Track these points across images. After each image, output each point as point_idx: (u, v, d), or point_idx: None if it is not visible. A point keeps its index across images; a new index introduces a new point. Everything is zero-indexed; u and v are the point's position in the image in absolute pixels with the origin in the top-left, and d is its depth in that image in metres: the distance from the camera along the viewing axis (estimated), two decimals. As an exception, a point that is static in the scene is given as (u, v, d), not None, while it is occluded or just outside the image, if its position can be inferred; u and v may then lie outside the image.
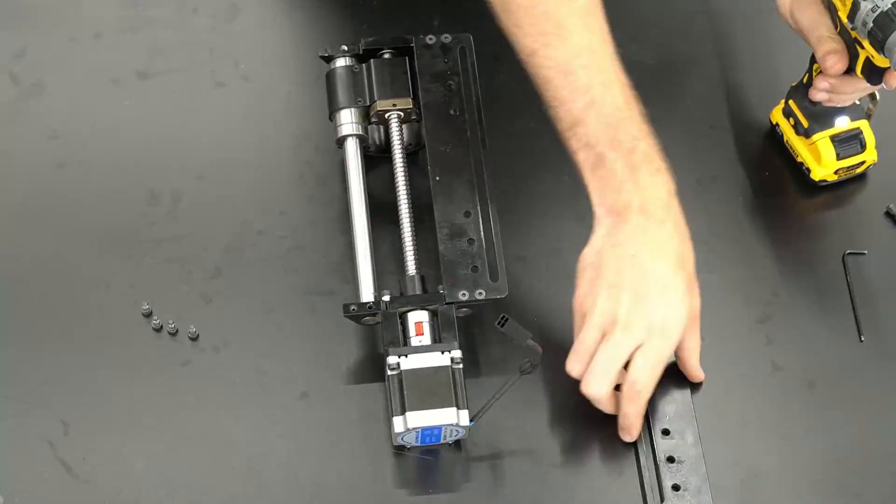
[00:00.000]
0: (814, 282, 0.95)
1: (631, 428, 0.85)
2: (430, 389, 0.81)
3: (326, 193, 0.98)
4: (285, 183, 0.99)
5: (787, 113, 0.98)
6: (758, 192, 1.00)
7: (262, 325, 0.92)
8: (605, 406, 0.84)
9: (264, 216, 0.96)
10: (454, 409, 0.80)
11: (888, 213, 0.98)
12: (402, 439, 0.82)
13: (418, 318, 0.85)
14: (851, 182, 1.00)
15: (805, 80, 0.96)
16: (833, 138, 0.96)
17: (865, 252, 0.96)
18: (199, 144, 1.00)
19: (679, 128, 1.03)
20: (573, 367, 0.84)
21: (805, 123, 0.96)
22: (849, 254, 0.96)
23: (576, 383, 0.86)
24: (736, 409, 0.89)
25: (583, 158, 0.85)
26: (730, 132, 1.03)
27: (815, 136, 0.96)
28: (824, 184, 0.98)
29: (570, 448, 0.87)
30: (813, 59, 0.93)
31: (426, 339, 0.84)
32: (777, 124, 1.00)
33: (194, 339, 0.90)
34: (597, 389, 0.83)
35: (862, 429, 0.89)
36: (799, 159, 0.99)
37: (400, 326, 0.85)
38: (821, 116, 0.96)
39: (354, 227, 0.90)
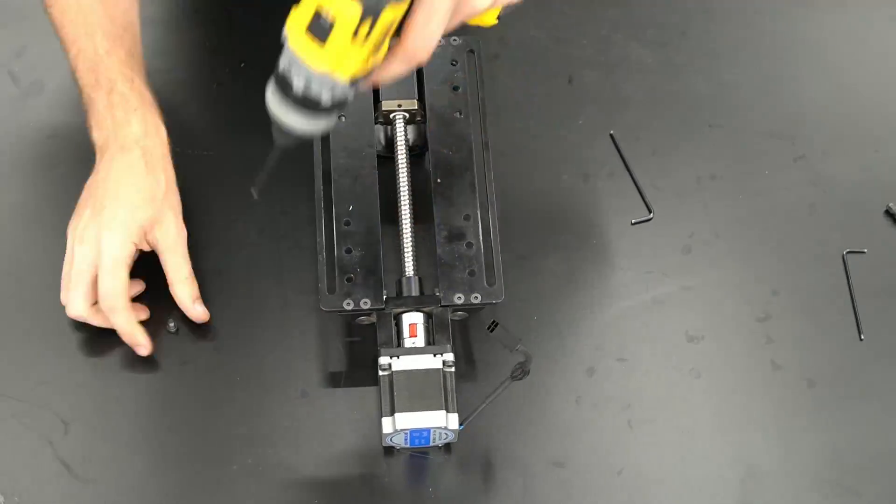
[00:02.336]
0: (814, 281, 0.96)
1: (133, 340, 0.89)
2: (420, 391, 0.81)
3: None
4: (285, 182, 0.99)
5: None
6: (758, 192, 1.00)
7: (262, 325, 0.92)
8: (99, 322, 0.88)
9: (264, 216, 0.96)
10: (443, 412, 0.80)
11: (888, 213, 0.99)
12: (390, 440, 0.82)
13: (412, 320, 0.85)
14: (851, 182, 1.01)
15: None
16: None
17: (865, 251, 0.96)
18: (198, 144, 1.00)
19: (679, 128, 1.03)
20: (62, 297, 0.89)
21: None
22: (848, 253, 0.96)
23: (568, 386, 0.86)
24: (736, 409, 0.89)
25: (83, 99, 0.93)
26: (730, 132, 1.03)
27: None
28: None
29: (559, 453, 0.87)
30: None
31: (420, 341, 0.84)
32: None
33: (174, 333, 0.91)
34: (74, 309, 0.87)
35: (862, 428, 0.89)
36: None
37: (394, 327, 0.85)
38: None
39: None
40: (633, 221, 0.97)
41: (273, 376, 0.90)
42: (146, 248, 0.89)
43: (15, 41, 1.06)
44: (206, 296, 0.93)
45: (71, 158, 1.00)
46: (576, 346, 0.92)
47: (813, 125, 1.04)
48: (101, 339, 0.91)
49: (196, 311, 0.90)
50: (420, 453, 0.86)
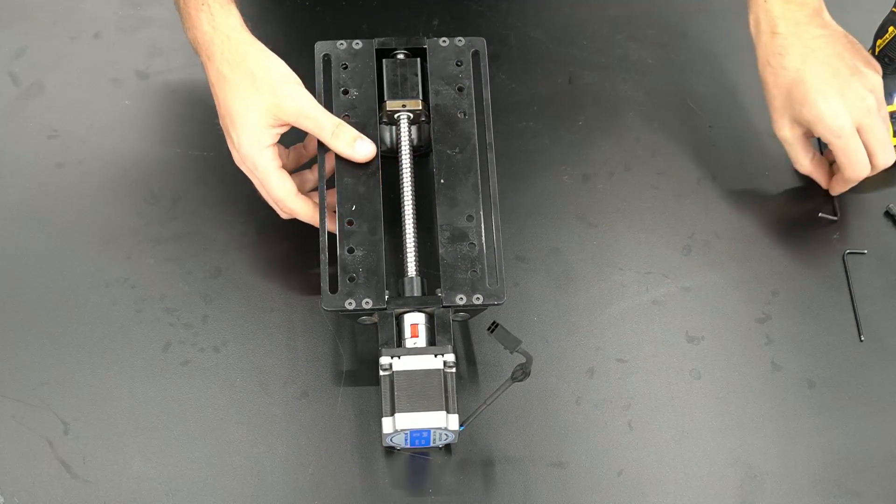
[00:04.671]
0: (814, 282, 0.96)
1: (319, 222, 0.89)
2: (420, 392, 0.80)
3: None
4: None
5: None
6: (758, 192, 1.00)
7: (262, 325, 0.92)
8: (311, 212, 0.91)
9: (264, 216, 0.96)
10: (444, 412, 0.80)
11: (888, 213, 0.99)
12: (391, 440, 0.82)
13: (414, 320, 0.85)
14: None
15: None
16: (891, 115, 0.98)
17: (865, 252, 0.96)
18: (198, 144, 1.00)
19: (679, 128, 1.03)
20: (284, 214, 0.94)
21: None
22: (849, 253, 0.96)
23: (568, 387, 0.85)
24: (736, 410, 0.89)
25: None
26: (730, 132, 1.03)
27: None
28: None
29: (559, 453, 0.87)
30: (876, 36, 0.98)
31: (421, 342, 0.84)
32: None
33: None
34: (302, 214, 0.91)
35: (862, 429, 0.89)
36: None
37: (395, 328, 0.85)
38: None
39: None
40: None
41: (273, 376, 0.90)
42: (287, 127, 0.89)
43: (15, 41, 1.06)
44: (206, 296, 0.93)
45: (71, 158, 1.00)
46: (576, 346, 0.92)
47: (813, 125, 1.04)
48: (101, 339, 0.91)
49: (359, 152, 0.88)
50: (420, 454, 0.86)
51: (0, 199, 0.98)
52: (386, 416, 0.80)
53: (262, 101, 0.87)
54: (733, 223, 0.98)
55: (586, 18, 1.10)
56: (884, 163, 0.94)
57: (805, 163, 0.97)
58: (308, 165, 0.94)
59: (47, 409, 0.88)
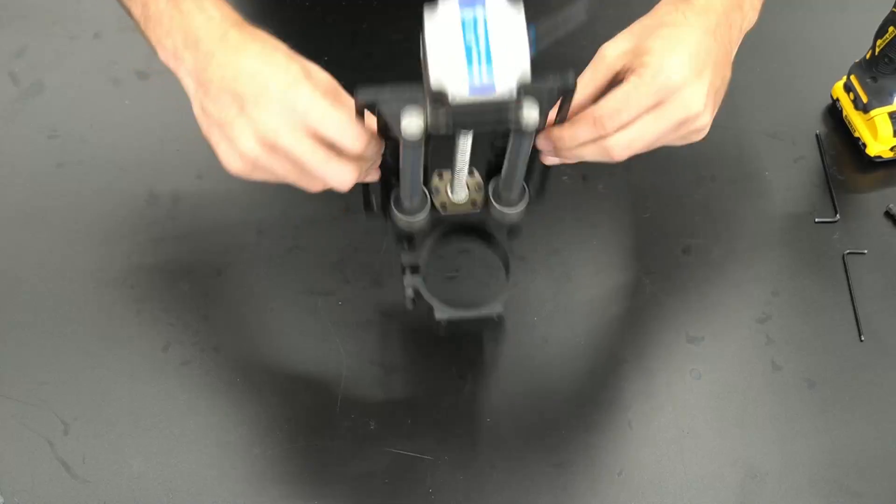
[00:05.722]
0: (814, 282, 0.96)
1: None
2: None
3: (326, 193, 0.97)
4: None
5: (848, 88, 1.01)
6: (758, 192, 1.00)
7: (262, 325, 0.92)
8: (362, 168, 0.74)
9: (264, 216, 0.96)
10: None
11: (888, 213, 0.99)
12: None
13: None
14: (852, 182, 1.01)
15: (868, 57, 0.99)
16: (892, 115, 0.98)
17: (865, 252, 0.97)
18: (198, 144, 1.00)
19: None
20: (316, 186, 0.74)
21: (864, 99, 0.99)
22: (849, 253, 0.96)
23: (569, 387, 0.85)
24: (736, 410, 0.89)
25: (137, 15, 0.78)
26: (730, 131, 1.03)
27: (874, 112, 0.99)
28: (879, 160, 1.01)
29: (559, 453, 0.88)
30: (876, 36, 0.98)
31: None
32: (837, 99, 1.03)
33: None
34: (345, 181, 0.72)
35: (862, 429, 0.89)
36: (856, 134, 1.02)
37: None
38: (881, 93, 0.99)
39: None
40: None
41: (273, 376, 0.90)
42: None
43: (15, 41, 1.06)
44: (206, 295, 0.93)
45: (71, 158, 1.00)
46: (576, 346, 0.92)
47: (813, 125, 1.04)
48: (101, 339, 0.91)
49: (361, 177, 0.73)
50: (420, 454, 0.86)
51: (0, 199, 0.98)
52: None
53: (290, 61, 0.71)
54: (733, 223, 0.98)
55: (586, 18, 1.10)
56: (615, 152, 0.74)
57: (584, 90, 0.77)
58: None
59: (47, 409, 0.88)
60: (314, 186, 0.74)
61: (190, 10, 0.75)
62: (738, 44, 0.83)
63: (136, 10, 0.79)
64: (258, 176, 0.74)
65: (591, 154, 0.75)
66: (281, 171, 0.73)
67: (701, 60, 0.76)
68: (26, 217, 0.97)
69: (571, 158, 0.76)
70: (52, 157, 1.00)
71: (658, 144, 0.76)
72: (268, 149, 0.72)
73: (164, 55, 0.78)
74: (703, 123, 0.77)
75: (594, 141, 0.74)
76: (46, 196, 0.98)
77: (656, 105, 0.74)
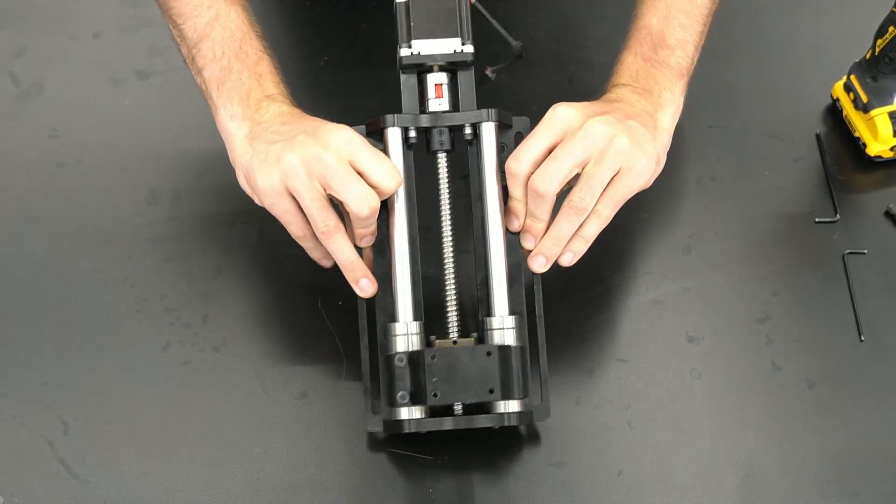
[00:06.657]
0: (814, 282, 0.96)
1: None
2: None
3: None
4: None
5: (848, 88, 1.01)
6: (758, 192, 1.00)
7: (262, 325, 0.92)
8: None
9: (264, 216, 0.96)
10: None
11: (888, 213, 0.99)
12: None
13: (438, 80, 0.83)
14: (852, 182, 1.01)
15: (868, 57, 0.99)
16: (892, 114, 0.98)
17: (865, 252, 0.96)
18: (198, 144, 1.00)
19: (679, 128, 1.02)
20: (317, 254, 0.86)
21: (864, 98, 0.99)
22: (849, 253, 0.96)
23: (569, 387, 0.85)
24: (736, 409, 0.89)
25: (208, 76, 0.85)
26: (730, 132, 1.03)
27: (874, 112, 0.99)
28: (879, 160, 1.01)
29: (559, 453, 0.87)
30: (876, 36, 0.97)
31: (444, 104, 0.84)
32: (837, 99, 1.03)
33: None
34: (345, 254, 0.84)
35: (862, 429, 0.89)
36: (856, 134, 1.01)
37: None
38: (881, 93, 0.99)
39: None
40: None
41: (273, 376, 0.90)
42: None
43: (15, 41, 1.06)
44: (206, 296, 0.93)
45: (71, 158, 1.00)
46: (576, 346, 0.92)
47: (813, 125, 1.04)
48: (101, 339, 0.91)
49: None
50: (420, 454, 0.86)
51: (0, 199, 0.98)
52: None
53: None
54: (733, 223, 0.98)
55: (586, 18, 1.10)
56: (539, 188, 0.84)
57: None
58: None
59: (47, 409, 0.88)
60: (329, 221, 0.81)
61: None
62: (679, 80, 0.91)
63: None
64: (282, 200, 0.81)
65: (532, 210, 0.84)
66: (307, 195, 0.79)
67: (598, 109, 0.84)
68: (26, 217, 0.97)
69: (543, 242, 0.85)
70: (52, 157, 1.00)
71: (595, 185, 0.83)
72: (308, 162, 0.78)
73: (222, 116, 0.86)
74: (626, 157, 0.83)
75: (519, 191, 0.83)
76: (46, 196, 0.98)
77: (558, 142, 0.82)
